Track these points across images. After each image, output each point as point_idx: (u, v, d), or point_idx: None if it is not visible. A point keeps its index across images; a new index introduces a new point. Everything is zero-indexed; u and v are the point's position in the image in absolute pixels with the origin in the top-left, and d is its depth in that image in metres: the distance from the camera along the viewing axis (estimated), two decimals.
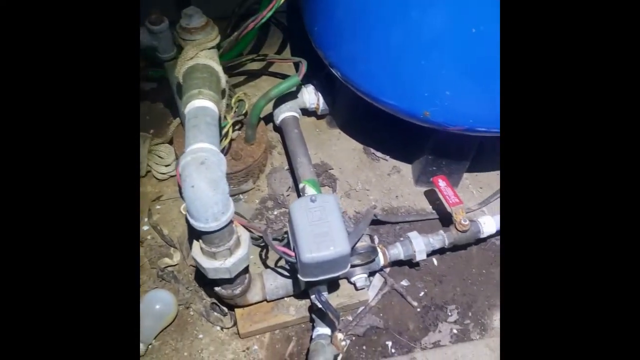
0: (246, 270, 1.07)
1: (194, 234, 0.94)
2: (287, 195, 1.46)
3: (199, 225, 0.87)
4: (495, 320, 1.28)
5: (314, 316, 1.13)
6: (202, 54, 1.10)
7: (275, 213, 1.43)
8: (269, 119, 1.58)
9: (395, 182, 1.54)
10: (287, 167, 1.53)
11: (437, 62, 1.00)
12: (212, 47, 1.13)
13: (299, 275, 0.97)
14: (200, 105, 0.98)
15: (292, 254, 0.98)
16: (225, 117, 1.29)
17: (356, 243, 1.11)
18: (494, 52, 0.94)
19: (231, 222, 0.93)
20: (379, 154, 1.59)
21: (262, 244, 1.28)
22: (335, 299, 1.21)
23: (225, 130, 1.28)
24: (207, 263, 0.96)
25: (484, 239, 1.37)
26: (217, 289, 1.08)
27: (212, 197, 0.84)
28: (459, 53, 0.96)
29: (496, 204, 1.49)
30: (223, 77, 1.13)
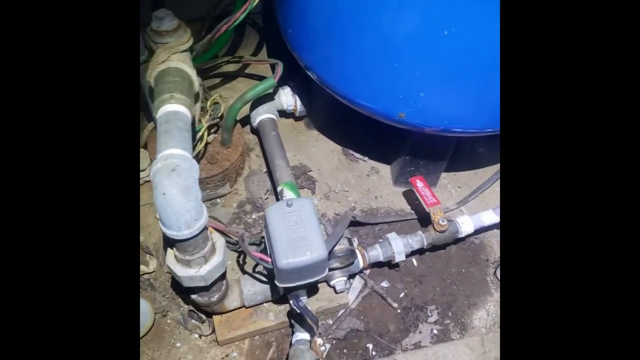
0: (223, 276, 1.05)
1: (168, 242, 0.92)
2: (266, 199, 1.45)
3: (172, 233, 0.86)
4: (475, 319, 1.28)
5: (293, 321, 1.12)
6: (174, 57, 1.08)
7: (254, 217, 1.41)
8: (246, 121, 1.57)
9: (374, 183, 1.53)
10: (265, 169, 1.51)
11: (410, 65, 0.99)
12: (185, 50, 1.10)
13: (276, 282, 0.96)
14: (172, 109, 0.96)
15: (269, 259, 0.96)
16: (200, 120, 1.27)
17: (334, 246, 1.10)
18: (467, 53, 0.95)
19: (205, 228, 0.92)
20: (357, 155, 1.58)
21: (240, 249, 1.26)
22: (314, 303, 1.20)
23: (200, 134, 1.26)
24: (181, 271, 0.94)
25: (463, 239, 1.37)
26: (193, 296, 1.06)
27: (184, 204, 0.83)
28: (432, 55, 0.96)
29: (474, 203, 1.50)
30: (196, 81, 1.11)
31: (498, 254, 1.40)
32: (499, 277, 1.33)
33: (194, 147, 1.24)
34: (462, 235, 1.29)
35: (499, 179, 1.53)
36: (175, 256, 0.94)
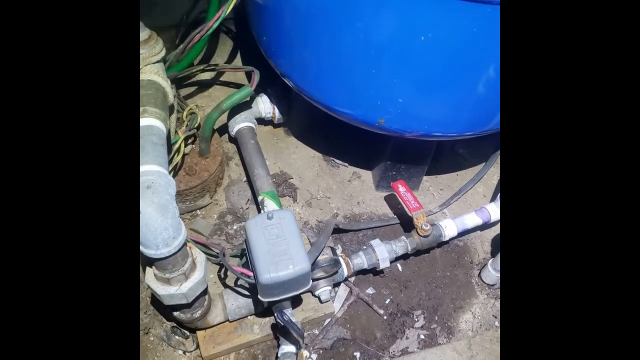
0: (205, 292, 1.03)
1: (146, 260, 0.89)
2: (247, 209, 1.43)
3: (150, 252, 0.83)
4: (462, 322, 1.28)
5: (278, 334, 1.10)
6: (146, 69, 1.05)
7: (235, 227, 1.38)
8: (224, 129, 1.54)
9: (356, 189, 1.52)
10: (245, 178, 1.49)
11: (387, 71, 0.98)
12: (158, 61, 1.08)
13: (259, 296, 0.94)
14: (146, 124, 0.94)
15: (251, 274, 0.94)
16: (176, 131, 1.24)
17: (317, 257, 1.09)
18: (445, 58, 0.94)
19: (184, 245, 0.89)
20: (338, 160, 1.57)
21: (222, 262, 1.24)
22: (300, 314, 1.18)
23: (176, 146, 1.23)
24: (161, 290, 0.92)
25: (447, 242, 1.37)
26: (175, 313, 1.04)
27: (161, 222, 0.80)
28: (410, 61, 0.94)
29: (457, 205, 1.50)
30: (170, 92, 1.08)
31: (482, 256, 1.40)
32: (484, 279, 1.33)
33: (170, 160, 1.21)
34: (446, 239, 1.29)
35: (481, 180, 1.54)
36: (155, 274, 0.92)
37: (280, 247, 0.90)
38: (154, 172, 0.83)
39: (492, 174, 1.59)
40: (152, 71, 1.05)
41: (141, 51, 1.04)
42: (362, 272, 1.28)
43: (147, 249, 0.83)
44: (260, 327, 1.16)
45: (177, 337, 1.18)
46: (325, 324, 1.22)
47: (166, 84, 1.07)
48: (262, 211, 1.27)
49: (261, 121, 1.57)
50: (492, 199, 1.47)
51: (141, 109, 0.95)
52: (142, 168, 0.84)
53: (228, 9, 1.14)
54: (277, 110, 1.52)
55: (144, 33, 1.05)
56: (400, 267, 1.35)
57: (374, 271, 1.29)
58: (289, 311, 1.06)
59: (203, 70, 1.54)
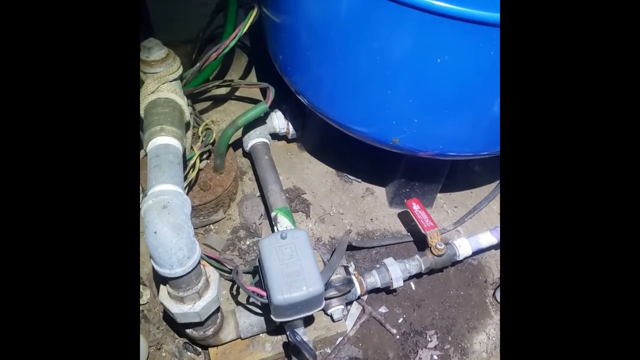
0: (218, 310, 1.03)
1: (161, 278, 0.90)
2: (260, 224, 1.43)
3: (164, 271, 0.84)
4: (475, 343, 1.26)
5: (290, 353, 1.09)
6: (164, 87, 1.06)
7: (248, 243, 1.39)
8: (238, 144, 1.55)
9: (369, 205, 1.51)
10: (258, 193, 1.49)
11: (403, 91, 0.98)
12: (175, 79, 1.09)
13: (272, 316, 0.94)
14: (163, 142, 0.95)
15: (264, 293, 0.94)
16: (192, 147, 1.25)
17: (330, 276, 1.08)
18: (461, 80, 0.94)
19: (198, 264, 0.89)
20: (351, 176, 1.57)
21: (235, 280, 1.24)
22: (312, 332, 1.17)
23: (192, 162, 1.24)
24: (175, 308, 0.92)
25: (461, 260, 1.35)
26: (188, 331, 1.04)
27: (176, 242, 0.81)
28: (425, 82, 0.94)
29: (471, 223, 1.48)
30: (187, 110, 1.09)
31: (497, 275, 1.38)
32: (498, 299, 1.31)
33: (185, 176, 1.22)
34: (460, 258, 1.28)
35: (495, 198, 1.52)
36: (169, 292, 0.92)
37: (293, 267, 0.90)
38: (170, 192, 0.84)
39: None
40: (169, 89, 1.06)
41: (158, 69, 1.06)
42: (374, 290, 1.27)
43: (162, 268, 0.83)
44: (272, 345, 1.15)
45: (189, 353, 1.18)
46: (337, 343, 1.21)
47: (183, 102, 1.08)
48: (275, 227, 1.27)
49: (275, 136, 1.57)
50: None
51: (158, 127, 0.96)
52: (159, 187, 0.84)
53: (244, 28, 1.15)
54: (291, 126, 1.53)
55: (162, 52, 1.07)
56: (413, 286, 1.34)
57: (387, 290, 1.28)
58: (301, 330, 1.05)
59: (218, 86, 1.55)
